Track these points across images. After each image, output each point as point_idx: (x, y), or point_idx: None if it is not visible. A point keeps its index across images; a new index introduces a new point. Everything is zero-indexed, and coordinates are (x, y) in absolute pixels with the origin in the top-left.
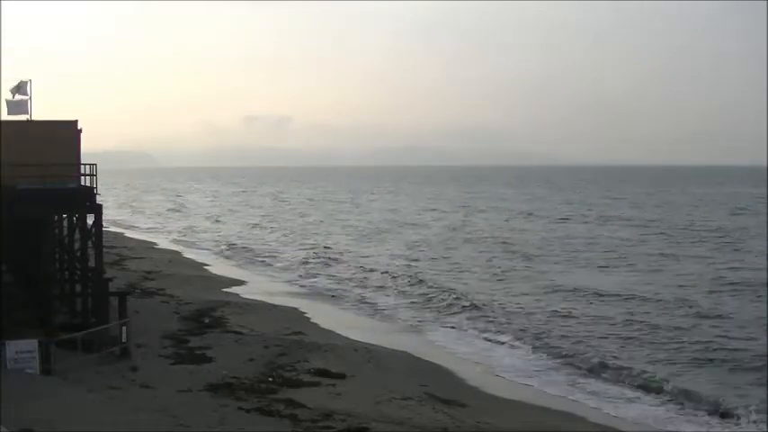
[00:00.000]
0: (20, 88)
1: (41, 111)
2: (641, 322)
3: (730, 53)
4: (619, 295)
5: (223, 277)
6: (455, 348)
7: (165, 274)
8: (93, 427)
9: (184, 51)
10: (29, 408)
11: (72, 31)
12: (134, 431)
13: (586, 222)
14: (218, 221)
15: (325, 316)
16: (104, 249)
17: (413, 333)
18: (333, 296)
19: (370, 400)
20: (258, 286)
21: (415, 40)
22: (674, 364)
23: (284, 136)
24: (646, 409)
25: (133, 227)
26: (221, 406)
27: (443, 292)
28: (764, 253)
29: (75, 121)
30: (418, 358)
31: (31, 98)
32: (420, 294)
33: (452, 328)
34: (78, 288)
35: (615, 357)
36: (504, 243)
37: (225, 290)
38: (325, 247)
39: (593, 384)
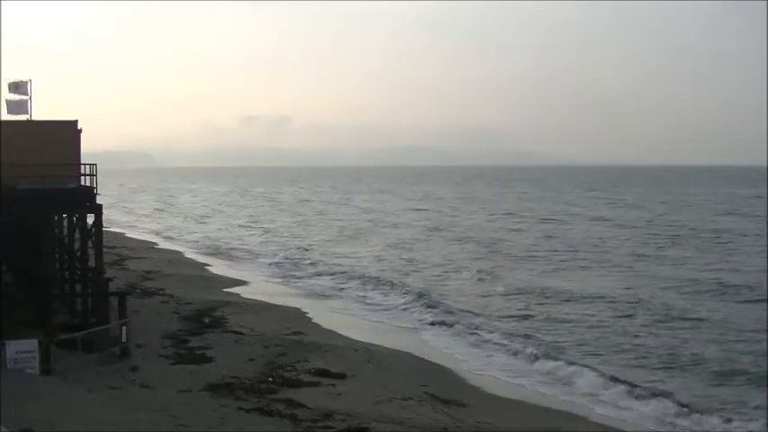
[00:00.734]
0: (19, 88)
1: (41, 111)
2: (624, 324)
3: (730, 53)
4: (589, 297)
5: (223, 277)
6: (442, 348)
7: (165, 273)
8: (93, 427)
9: (184, 51)
10: (29, 408)
11: (72, 31)
12: (134, 431)
13: (570, 223)
14: (201, 222)
15: (324, 316)
16: (104, 249)
17: (412, 333)
18: (325, 295)
19: (370, 400)
20: (258, 287)
21: (415, 40)
22: (669, 368)
23: (284, 136)
24: (644, 409)
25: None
26: (221, 406)
27: (412, 294)
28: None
29: (75, 121)
30: (418, 358)
31: (31, 98)
32: (384, 292)
33: (432, 324)
34: (78, 288)
35: (606, 360)
36: (481, 242)
37: (225, 290)
38: (298, 248)
39: (591, 385)
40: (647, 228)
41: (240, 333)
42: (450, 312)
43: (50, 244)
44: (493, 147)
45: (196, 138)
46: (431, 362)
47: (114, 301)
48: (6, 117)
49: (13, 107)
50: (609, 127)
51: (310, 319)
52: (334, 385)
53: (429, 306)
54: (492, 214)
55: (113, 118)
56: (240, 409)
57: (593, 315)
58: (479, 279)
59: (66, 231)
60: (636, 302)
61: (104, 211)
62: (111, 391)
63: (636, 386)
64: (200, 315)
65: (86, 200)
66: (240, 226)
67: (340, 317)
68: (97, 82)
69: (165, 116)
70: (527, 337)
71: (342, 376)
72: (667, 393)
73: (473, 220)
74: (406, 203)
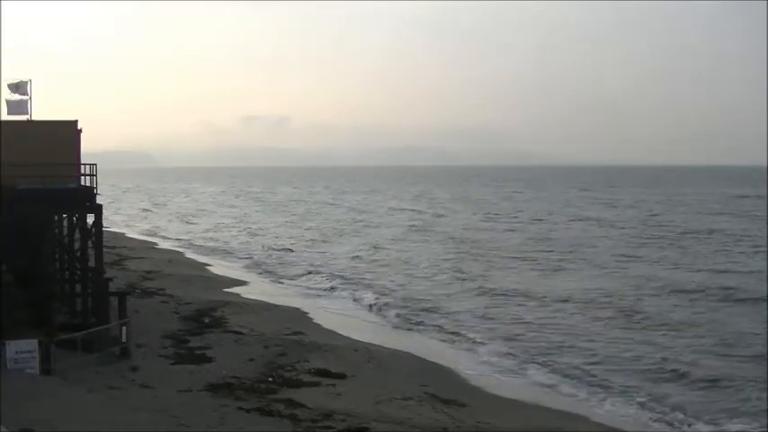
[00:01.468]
0: (19, 88)
1: (41, 111)
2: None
3: (730, 53)
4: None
5: (223, 277)
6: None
7: (165, 273)
8: (93, 427)
9: (184, 51)
10: (29, 408)
11: (72, 31)
12: (134, 431)
13: (555, 223)
14: (186, 222)
15: (323, 316)
16: (104, 249)
17: (412, 333)
18: (319, 295)
19: (370, 400)
20: (258, 287)
21: (415, 40)
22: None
23: (284, 136)
24: (641, 410)
25: None
26: (221, 406)
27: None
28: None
29: (75, 121)
30: (418, 358)
31: (31, 98)
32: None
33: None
34: (78, 288)
35: (597, 361)
36: (463, 242)
37: (225, 290)
38: (275, 248)
39: (589, 386)
40: (633, 228)
41: (240, 333)
42: (406, 307)
43: (50, 244)
44: (493, 147)
45: (196, 138)
46: (431, 362)
47: (114, 301)
48: (6, 117)
49: (13, 107)
50: (609, 127)
51: (311, 319)
52: (334, 385)
53: (393, 306)
54: (481, 214)
55: (113, 118)
56: (240, 409)
57: (553, 317)
58: (458, 279)
59: (66, 231)
60: (607, 304)
61: None
62: (111, 391)
63: (608, 387)
64: (200, 315)
65: (86, 200)
66: (225, 226)
67: (339, 317)
68: (97, 82)
69: (165, 116)
70: (507, 339)
71: (342, 376)
72: (631, 388)
73: (459, 221)
74: (397, 203)
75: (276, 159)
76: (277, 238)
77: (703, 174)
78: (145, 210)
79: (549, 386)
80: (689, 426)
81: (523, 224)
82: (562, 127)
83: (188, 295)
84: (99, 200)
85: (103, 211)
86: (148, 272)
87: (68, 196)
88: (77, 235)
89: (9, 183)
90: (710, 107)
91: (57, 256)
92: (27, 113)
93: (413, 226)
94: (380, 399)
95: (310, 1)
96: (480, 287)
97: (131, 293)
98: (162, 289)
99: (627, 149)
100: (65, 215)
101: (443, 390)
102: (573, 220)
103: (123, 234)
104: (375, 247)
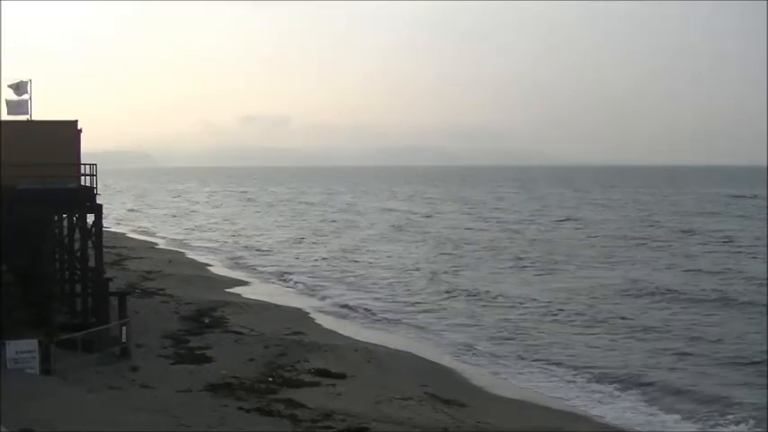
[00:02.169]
0: (19, 88)
1: (41, 111)
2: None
3: (730, 53)
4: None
5: (224, 277)
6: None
7: (165, 274)
8: (93, 427)
9: (184, 51)
10: (29, 408)
11: (72, 31)
12: (134, 431)
13: (539, 224)
14: (169, 223)
15: (323, 316)
16: (104, 249)
17: (412, 333)
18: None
19: (371, 400)
20: (259, 287)
21: (415, 40)
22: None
23: (284, 136)
24: (642, 410)
25: None
26: (221, 406)
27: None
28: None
29: (75, 121)
30: (418, 358)
31: (31, 98)
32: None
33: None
34: (78, 288)
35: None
36: (442, 243)
37: (225, 290)
38: (246, 248)
39: (589, 386)
40: (619, 229)
41: (240, 333)
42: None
43: (50, 244)
44: (493, 147)
45: (196, 138)
46: (431, 362)
47: (114, 301)
48: (6, 117)
49: (13, 107)
50: (609, 127)
51: (311, 319)
52: (334, 385)
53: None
54: (470, 214)
55: (113, 118)
56: (240, 409)
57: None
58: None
59: (66, 231)
60: (563, 306)
61: None
62: (111, 391)
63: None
64: (200, 315)
65: (86, 200)
66: (208, 225)
67: (339, 318)
68: (97, 82)
69: (165, 116)
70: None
71: (342, 376)
72: (631, 388)
73: (446, 221)
74: (387, 204)
75: (276, 159)
76: (259, 235)
77: (703, 174)
78: (131, 210)
79: (549, 386)
80: (688, 425)
81: (511, 225)
82: (562, 127)
83: (188, 295)
84: None
85: None
86: (148, 272)
87: (68, 196)
88: (77, 235)
89: (9, 183)
90: (710, 107)
91: (57, 256)
92: (27, 113)
93: (396, 226)
94: (380, 399)
95: (310, 1)
96: (434, 278)
97: (131, 293)
98: (162, 289)
99: (627, 149)
100: (65, 215)
101: (443, 390)
102: (560, 221)
103: (123, 234)
104: (344, 250)
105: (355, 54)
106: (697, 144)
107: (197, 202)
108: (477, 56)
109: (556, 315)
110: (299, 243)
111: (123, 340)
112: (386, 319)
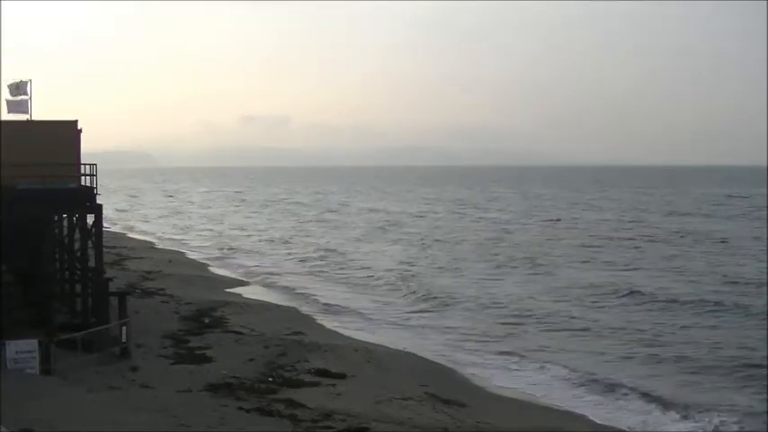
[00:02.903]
0: (19, 88)
1: (41, 111)
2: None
3: (730, 53)
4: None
5: (224, 277)
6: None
7: (165, 274)
8: (93, 427)
9: (184, 51)
10: (29, 408)
11: (72, 31)
12: (134, 431)
13: (527, 224)
14: (155, 223)
15: (323, 316)
16: (104, 249)
17: (411, 333)
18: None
19: (371, 400)
20: (260, 288)
21: (415, 40)
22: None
23: (284, 136)
24: (641, 410)
25: None
26: (221, 406)
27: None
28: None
29: (75, 121)
30: (418, 358)
31: (31, 98)
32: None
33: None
34: (78, 288)
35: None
36: (427, 246)
37: (226, 290)
38: (229, 249)
39: (589, 386)
40: (593, 230)
41: (240, 333)
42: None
43: (50, 244)
44: (493, 147)
45: (196, 138)
46: (431, 362)
47: (114, 301)
48: (6, 117)
49: (13, 107)
50: (609, 127)
51: (312, 319)
52: (334, 385)
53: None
54: (459, 215)
55: (113, 118)
56: (240, 409)
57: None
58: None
59: (66, 231)
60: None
61: None
62: (111, 391)
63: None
64: (200, 315)
65: (86, 200)
66: (193, 226)
67: (338, 318)
68: (97, 82)
69: (165, 116)
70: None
71: (342, 376)
72: (630, 389)
73: (432, 221)
74: (375, 204)
75: (276, 159)
76: (233, 239)
77: (703, 174)
78: (120, 210)
79: (549, 386)
80: (687, 424)
81: (497, 225)
82: (562, 127)
83: (188, 295)
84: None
85: None
86: (148, 272)
87: (68, 196)
88: (77, 235)
89: (9, 183)
90: (710, 107)
91: (57, 256)
92: (27, 113)
93: (379, 227)
94: (380, 399)
95: (310, 1)
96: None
97: (131, 293)
98: (162, 289)
99: (627, 149)
100: (65, 215)
101: (443, 390)
102: (547, 221)
103: (124, 234)
104: (323, 249)
105: (355, 54)
106: (697, 144)
107: (191, 203)
108: (476, 56)
109: (553, 316)
110: (285, 244)
111: (123, 340)
112: (381, 319)
